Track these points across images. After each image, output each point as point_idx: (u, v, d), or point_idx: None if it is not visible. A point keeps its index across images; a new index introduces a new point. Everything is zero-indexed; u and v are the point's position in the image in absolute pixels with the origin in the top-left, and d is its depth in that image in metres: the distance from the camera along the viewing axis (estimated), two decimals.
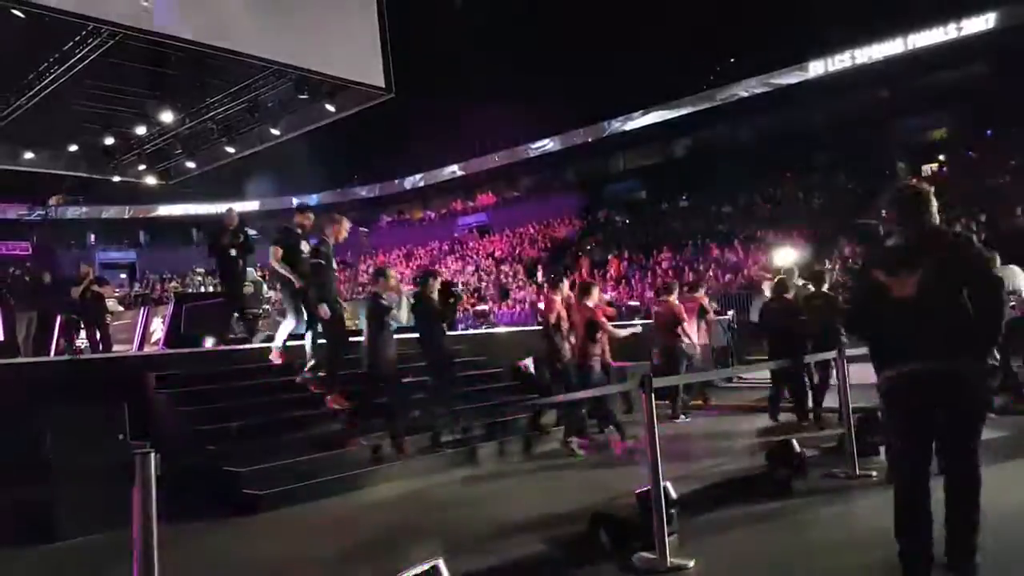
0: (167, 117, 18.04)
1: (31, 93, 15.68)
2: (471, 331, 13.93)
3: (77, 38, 13.89)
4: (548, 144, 35.55)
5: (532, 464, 6.97)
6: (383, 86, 16.09)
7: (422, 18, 34.15)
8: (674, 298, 9.54)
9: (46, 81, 15.29)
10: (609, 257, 26.73)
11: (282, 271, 7.19)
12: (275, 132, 18.83)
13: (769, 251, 15.24)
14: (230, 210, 9.28)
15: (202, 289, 16.22)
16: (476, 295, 26.48)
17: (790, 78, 28.16)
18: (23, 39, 13.47)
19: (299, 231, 7.42)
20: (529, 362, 8.89)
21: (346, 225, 7.66)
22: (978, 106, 23.30)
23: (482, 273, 31.25)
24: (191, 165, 21.13)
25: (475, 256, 33.98)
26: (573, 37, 31.16)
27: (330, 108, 17.47)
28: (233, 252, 8.89)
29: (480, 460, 7.00)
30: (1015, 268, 7.60)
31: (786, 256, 12.24)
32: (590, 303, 7.48)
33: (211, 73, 16.35)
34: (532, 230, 34.17)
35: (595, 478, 6.16)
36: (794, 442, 5.28)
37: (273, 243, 7.41)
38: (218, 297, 12.19)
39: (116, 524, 3.67)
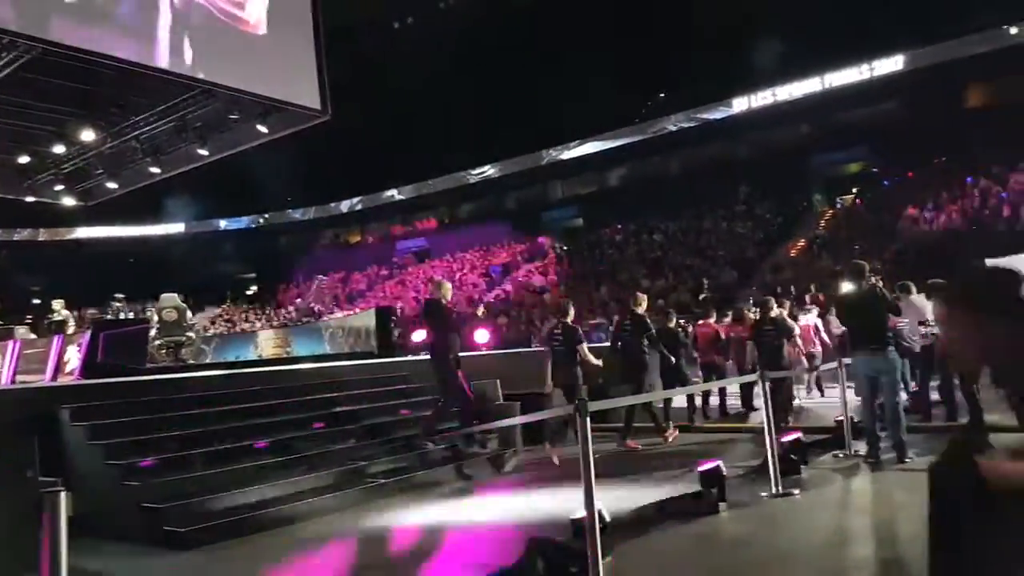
0: (87, 135, 17.28)
1: None
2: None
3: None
4: (488, 170, 35.81)
5: (472, 490, 6.89)
6: (319, 108, 15.92)
7: (366, 43, 34.21)
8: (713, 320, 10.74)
9: None
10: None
11: None
12: (204, 153, 18.26)
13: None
14: None
15: (121, 316, 15.51)
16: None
17: (716, 113, 29.33)
18: None
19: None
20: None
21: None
22: (891, 142, 24.71)
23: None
24: (112, 186, 20.28)
25: (414, 280, 33.74)
26: (514, 67, 31.72)
27: (263, 129, 17.13)
28: None
29: (419, 488, 6.86)
30: (923, 298, 8.05)
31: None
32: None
33: (136, 91, 15.79)
34: (472, 256, 34.21)
35: (536, 502, 6.13)
36: (720, 463, 5.41)
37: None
38: (139, 324, 11.74)
39: (27, 568, 3.43)
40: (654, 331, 8.69)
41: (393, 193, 39.42)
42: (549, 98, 30.51)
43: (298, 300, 35.65)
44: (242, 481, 6.08)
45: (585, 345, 8.16)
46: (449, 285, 8.14)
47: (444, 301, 7.68)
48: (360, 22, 31.40)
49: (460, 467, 7.37)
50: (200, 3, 13.78)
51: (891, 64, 25.46)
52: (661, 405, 9.06)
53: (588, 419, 3.89)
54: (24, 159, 18.55)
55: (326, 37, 15.96)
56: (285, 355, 17.30)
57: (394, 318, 15.98)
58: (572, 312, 8.56)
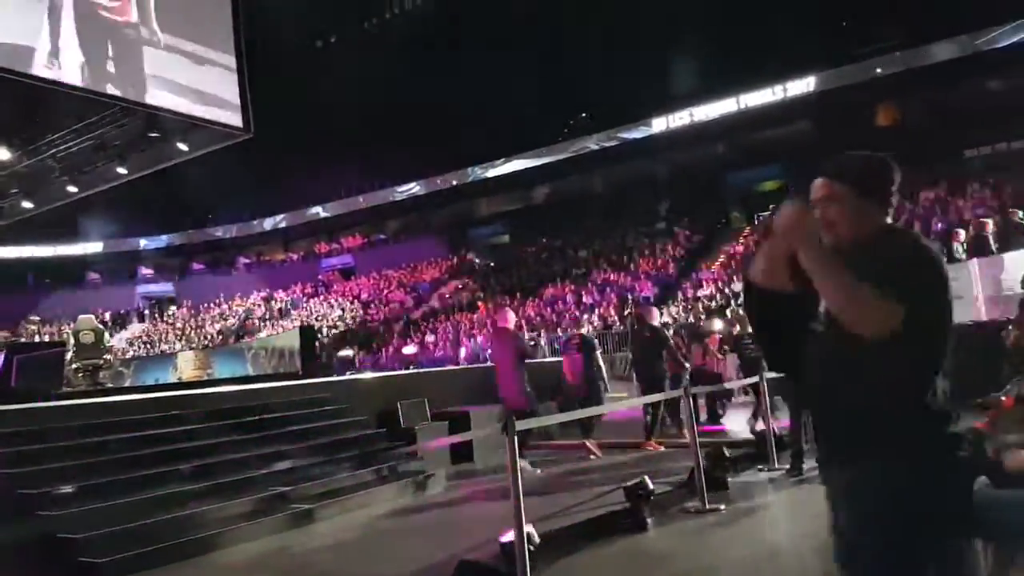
0: (1, 154, 16.51)
1: None
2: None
3: None
4: (414, 187, 35.77)
5: (402, 514, 6.91)
6: (241, 126, 15.70)
7: (290, 60, 33.76)
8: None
9: None
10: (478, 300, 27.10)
11: None
12: (122, 171, 17.70)
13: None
14: None
15: (36, 339, 14.82)
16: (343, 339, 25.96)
17: (636, 133, 30.26)
18: None
19: None
20: None
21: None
22: (805, 160, 25.97)
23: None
24: (28, 205, 19.39)
25: (339, 299, 33.29)
26: (440, 86, 31.91)
27: (183, 147, 16.76)
28: None
29: (347, 512, 6.83)
30: None
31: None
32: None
33: (51, 108, 15.19)
34: (398, 273, 34.02)
35: (467, 523, 6.20)
36: (647, 479, 5.54)
37: None
38: (54, 347, 11.26)
39: None
40: (672, 343, 9.30)
41: (318, 210, 38.92)
42: (475, 116, 30.85)
43: (222, 320, 34.63)
44: (162, 508, 5.94)
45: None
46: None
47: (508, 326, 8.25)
48: (283, 40, 31.00)
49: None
50: (110, 19, 13.43)
51: (803, 85, 26.83)
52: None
53: (516, 439, 4.04)
54: None
55: (248, 54, 15.78)
56: (206, 377, 16.83)
57: (319, 337, 15.82)
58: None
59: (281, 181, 35.36)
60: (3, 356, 9.42)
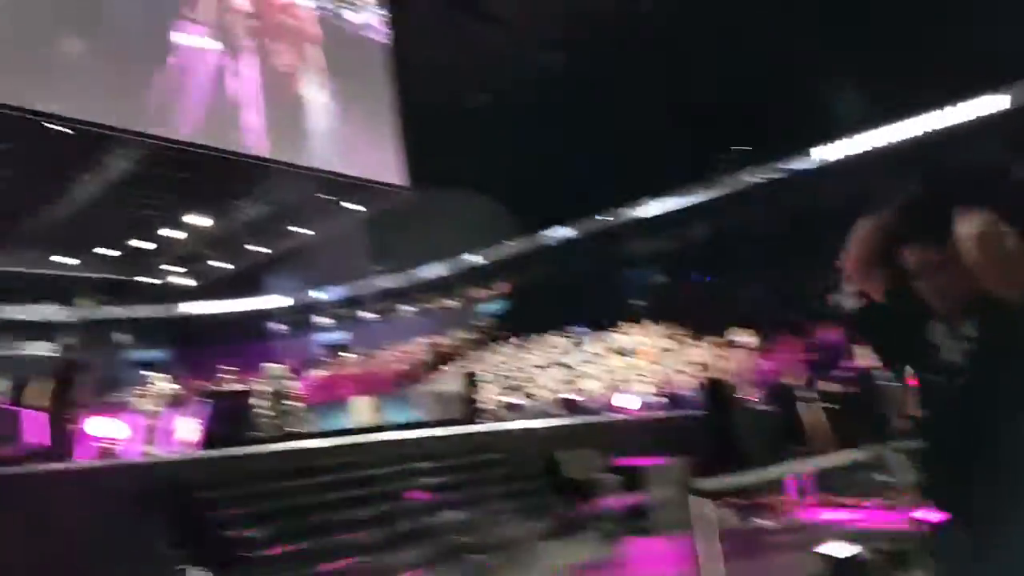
0: (199, 221, 18.68)
1: (68, 200, 16.34)
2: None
3: (113, 149, 14.55)
4: (566, 231, 36.15)
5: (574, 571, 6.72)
6: (402, 183, 16.67)
7: (444, 117, 35.46)
8: None
9: (83, 189, 15.95)
10: None
11: None
12: (300, 231, 19.37)
13: None
14: None
15: (228, 388, 16.32)
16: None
17: (798, 164, 28.81)
18: (61, 150, 14.15)
19: None
20: None
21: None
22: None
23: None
24: (221, 265, 21.70)
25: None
26: (587, 132, 32.14)
27: (351, 207, 18.05)
28: None
29: (522, 564, 6.73)
30: None
31: None
32: None
33: (240, 178, 17.00)
34: None
35: None
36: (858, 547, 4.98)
37: None
38: (248, 395, 12.26)
39: None
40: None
41: (475, 258, 40.21)
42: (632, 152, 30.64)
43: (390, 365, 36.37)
44: (346, 552, 6.17)
45: None
46: None
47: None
48: (436, 98, 32.71)
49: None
50: (289, 93, 14.79)
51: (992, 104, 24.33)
52: None
53: (703, 496, 3.80)
54: (143, 244, 20.17)
55: (404, 114, 16.82)
56: (378, 422, 17.57)
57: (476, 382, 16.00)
58: None
59: (438, 231, 36.96)
60: (204, 403, 10.34)
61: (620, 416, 14.73)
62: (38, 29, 10.92)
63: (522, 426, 12.24)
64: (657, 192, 32.62)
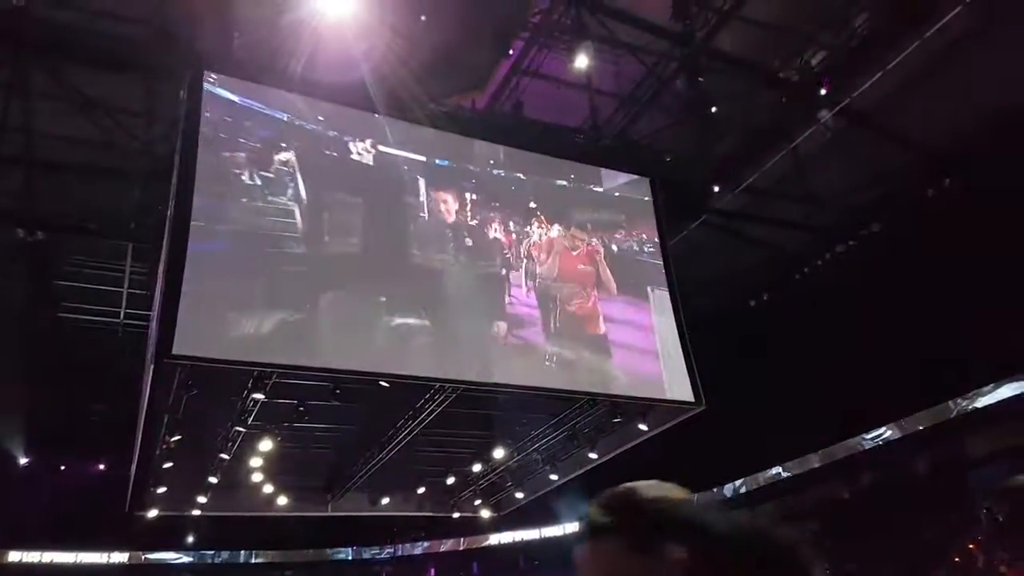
0: (499, 454, 19.59)
1: (390, 447, 18.16)
2: None
3: (428, 395, 16.08)
4: (886, 432, 31.70)
5: None
6: (693, 400, 15.99)
7: (726, 322, 34.75)
8: None
9: (401, 435, 17.67)
10: None
11: None
12: (593, 456, 19.28)
13: None
14: None
15: None
16: None
17: None
18: (386, 402, 16.01)
19: None
20: None
21: None
22: None
23: None
24: (519, 495, 22.21)
25: None
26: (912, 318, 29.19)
27: (643, 428, 17.64)
28: None
29: None
30: None
31: None
32: None
33: (536, 409, 17.74)
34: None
35: None
36: None
37: None
38: None
39: None
40: None
41: (778, 471, 36.62)
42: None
43: None
44: None
45: None
46: None
47: None
48: (718, 304, 32.28)
49: None
50: (578, 329, 15.38)
51: None
52: None
53: None
54: (451, 480, 21.54)
55: (690, 328, 16.51)
56: None
57: None
58: None
59: (732, 444, 34.62)
60: None
61: None
62: (394, 312, 12.66)
63: None
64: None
